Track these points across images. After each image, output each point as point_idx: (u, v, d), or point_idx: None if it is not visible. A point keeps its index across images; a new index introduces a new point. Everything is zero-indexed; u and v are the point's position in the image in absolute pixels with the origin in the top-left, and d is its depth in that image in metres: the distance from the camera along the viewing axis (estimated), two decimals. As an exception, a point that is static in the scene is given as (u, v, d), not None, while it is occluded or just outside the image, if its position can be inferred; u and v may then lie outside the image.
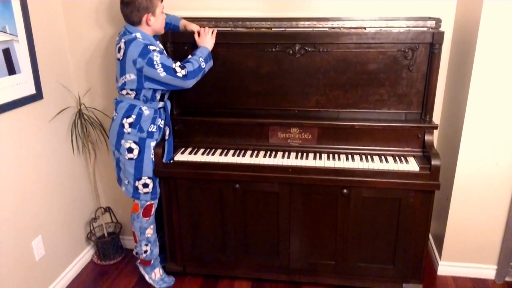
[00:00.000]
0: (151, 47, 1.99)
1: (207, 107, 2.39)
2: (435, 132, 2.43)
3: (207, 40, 2.18)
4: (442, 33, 2.11)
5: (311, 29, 2.27)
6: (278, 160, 2.21)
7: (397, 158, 2.20)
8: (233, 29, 2.34)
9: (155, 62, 1.98)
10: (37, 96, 2.19)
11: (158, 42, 2.18)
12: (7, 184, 2.04)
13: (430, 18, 2.26)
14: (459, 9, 2.38)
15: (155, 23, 2.06)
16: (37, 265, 2.27)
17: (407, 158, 2.20)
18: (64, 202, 2.50)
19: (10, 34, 1.97)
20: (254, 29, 2.33)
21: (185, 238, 2.45)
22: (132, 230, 2.39)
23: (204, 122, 2.36)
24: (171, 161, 2.25)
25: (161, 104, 2.20)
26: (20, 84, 2.05)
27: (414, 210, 2.18)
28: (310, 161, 2.19)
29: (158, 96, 2.16)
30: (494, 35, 2.08)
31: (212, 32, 2.20)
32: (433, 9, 2.41)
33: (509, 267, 2.45)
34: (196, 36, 2.20)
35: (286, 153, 2.28)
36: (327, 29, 2.27)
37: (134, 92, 2.09)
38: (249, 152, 2.30)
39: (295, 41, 2.23)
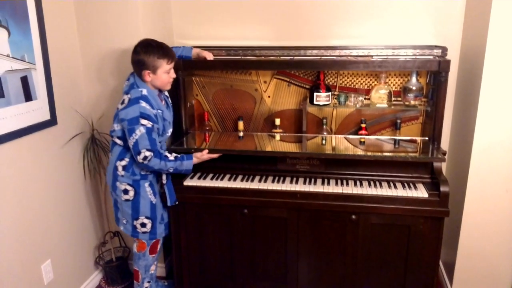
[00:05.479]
0: (144, 121, 2.00)
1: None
2: (444, 158, 2.43)
3: (201, 159, 2.22)
4: (449, 61, 2.14)
5: (319, 57, 2.32)
6: (287, 185, 2.22)
7: (405, 184, 2.20)
8: (242, 57, 2.40)
9: (134, 134, 2.01)
10: (52, 121, 2.25)
11: (165, 91, 2.23)
12: (19, 207, 2.07)
13: (436, 47, 2.30)
14: (465, 37, 2.43)
15: (154, 80, 2.08)
16: (46, 289, 2.27)
17: (416, 184, 2.20)
18: (74, 226, 2.52)
19: (28, 62, 2.04)
20: (263, 57, 2.39)
21: (192, 263, 2.45)
22: (135, 268, 2.36)
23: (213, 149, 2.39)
24: (177, 203, 2.26)
25: None
26: (35, 110, 2.12)
27: (423, 237, 2.16)
28: (318, 187, 2.20)
29: None
30: (500, 62, 2.10)
31: (213, 153, 2.26)
32: (439, 37, 2.47)
33: (523, 296, 2.40)
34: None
35: (294, 179, 2.29)
36: (334, 57, 2.32)
37: (122, 141, 2.15)
38: (257, 178, 2.31)
39: (302, 69, 2.27)
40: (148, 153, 2.04)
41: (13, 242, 2.04)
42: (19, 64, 1.98)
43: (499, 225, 2.33)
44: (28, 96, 2.06)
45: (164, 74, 2.07)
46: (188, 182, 2.29)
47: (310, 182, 2.25)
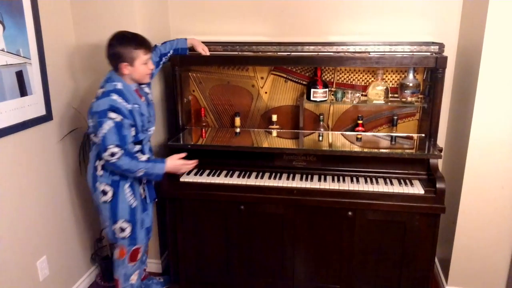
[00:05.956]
0: (112, 115, 1.88)
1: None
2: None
3: (177, 167, 2.11)
4: (445, 58, 2.14)
5: (316, 53, 2.32)
6: (283, 181, 2.22)
7: (402, 180, 2.20)
8: (239, 53, 2.39)
9: (101, 128, 1.89)
10: (47, 117, 2.23)
11: (145, 87, 2.13)
12: (13, 203, 2.06)
13: (433, 43, 2.31)
14: (462, 34, 2.43)
15: (133, 73, 1.98)
16: (41, 285, 2.26)
17: (412, 181, 2.20)
18: (69, 222, 2.51)
19: (23, 57, 2.02)
20: (260, 53, 2.39)
21: (189, 259, 2.44)
22: (114, 277, 2.26)
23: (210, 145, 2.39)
24: (156, 200, 2.22)
25: (137, 147, 2.08)
26: (31, 106, 2.10)
27: (419, 234, 2.17)
28: (315, 183, 2.20)
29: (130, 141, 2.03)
30: (497, 59, 2.11)
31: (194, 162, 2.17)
32: (436, 34, 2.46)
33: (518, 293, 2.41)
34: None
35: (291, 175, 2.29)
36: (331, 53, 2.32)
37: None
38: (254, 174, 2.31)
39: (299, 65, 2.27)
40: (116, 149, 1.91)
41: (8, 239, 2.02)
42: (14, 59, 1.96)
43: (495, 222, 2.34)
44: (23, 91, 2.04)
45: (142, 65, 1.98)
46: (184, 178, 2.29)
47: (306, 179, 2.25)
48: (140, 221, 2.16)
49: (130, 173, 1.99)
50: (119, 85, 1.97)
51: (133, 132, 2.01)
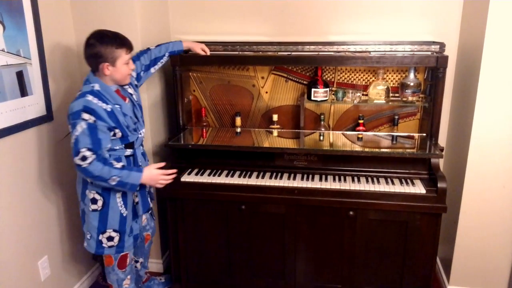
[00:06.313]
0: (85, 116, 1.78)
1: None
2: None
3: (154, 178, 1.98)
4: (446, 57, 2.14)
5: (316, 53, 2.32)
6: (284, 181, 2.22)
7: (403, 180, 2.20)
8: (240, 52, 2.39)
9: (74, 130, 1.79)
10: (48, 117, 2.23)
11: (129, 88, 2.03)
12: (14, 203, 2.05)
13: (434, 43, 2.30)
14: (462, 33, 2.42)
15: (114, 73, 1.89)
16: (43, 285, 2.26)
17: (413, 180, 2.20)
18: (70, 222, 2.51)
19: (23, 57, 2.02)
20: (261, 52, 2.38)
21: (190, 259, 2.44)
22: (108, 283, 2.19)
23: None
24: (150, 211, 2.14)
25: (128, 152, 2.00)
26: (31, 106, 2.10)
27: (421, 233, 2.16)
28: (316, 183, 2.19)
29: (119, 145, 1.95)
30: (498, 58, 2.10)
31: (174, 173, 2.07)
32: (437, 33, 2.46)
33: (519, 292, 2.41)
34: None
35: (292, 175, 2.29)
36: (332, 53, 2.31)
37: None
38: (255, 174, 2.31)
39: (300, 65, 2.26)
40: (88, 153, 1.78)
41: (9, 239, 2.02)
42: (14, 59, 1.96)
43: (496, 221, 2.33)
44: (23, 91, 2.04)
45: (123, 65, 1.89)
46: (185, 178, 2.28)
47: (307, 178, 2.24)
48: (129, 229, 2.07)
49: (102, 181, 1.85)
50: (96, 86, 1.88)
51: (119, 134, 1.91)
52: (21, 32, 2.00)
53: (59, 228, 2.40)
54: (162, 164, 2.02)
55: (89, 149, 1.79)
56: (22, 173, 2.09)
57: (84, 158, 1.79)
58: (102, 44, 1.84)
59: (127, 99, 2.01)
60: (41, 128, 2.20)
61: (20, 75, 2.01)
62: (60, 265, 2.42)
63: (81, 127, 1.78)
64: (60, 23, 2.33)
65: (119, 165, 1.88)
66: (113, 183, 1.85)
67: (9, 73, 1.94)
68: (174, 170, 2.08)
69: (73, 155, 1.80)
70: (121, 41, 1.89)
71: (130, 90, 2.06)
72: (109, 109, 1.87)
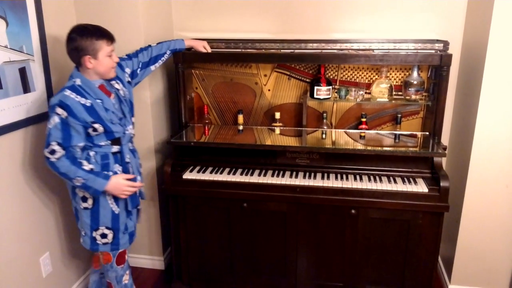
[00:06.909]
0: (59, 110, 1.78)
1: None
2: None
3: (120, 188, 1.92)
4: (450, 56, 2.13)
5: (319, 50, 2.31)
6: (286, 179, 2.22)
7: (405, 179, 2.19)
8: (242, 50, 2.38)
9: (48, 123, 1.81)
10: (50, 113, 2.24)
11: (116, 83, 2.00)
12: (16, 200, 2.06)
13: (438, 41, 2.29)
14: (466, 32, 2.41)
15: (97, 66, 1.87)
16: (45, 281, 2.27)
17: (416, 179, 2.19)
18: (72, 218, 2.51)
19: (26, 53, 2.02)
20: (263, 50, 2.38)
21: (191, 256, 2.45)
22: (107, 280, 2.17)
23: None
24: (138, 207, 2.13)
25: (115, 148, 1.96)
26: (34, 102, 2.10)
27: (423, 232, 2.16)
28: (318, 181, 2.19)
29: (104, 141, 1.92)
30: (502, 57, 2.09)
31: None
32: (441, 31, 2.45)
33: (521, 292, 2.40)
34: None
35: (294, 173, 2.28)
36: (335, 50, 2.31)
37: None
38: (257, 171, 2.30)
39: (303, 62, 2.26)
40: (57, 147, 1.79)
41: (11, 235, 2.03)
42: (17, 55, 1.96)
43: (499, 221, 2.33)
44: (26, 87, 2.04)
45: (106, 57, 1.87)
46: (187, 176, 2.28)
47: (309, 176, 2.24)
48: (124, 226, 2.06)
49: (67, 179, 1.85)
50: (78, 81, 1.87)
51: (100, 129, 1.88)
52: (24, 29, 2.00)
53: (61, 225, 2.41)
54: (132, 176, 1.99)
55: (58, 144, 1.80)
56: (24, 170, 2.10)
57: (53, 152, 1.80)
58: (82, 37, 1.83)
59: (112, 95, 1.98)
60: (43, 124, 2.20)
61: (23, 72, 2.01)
62: (61, 262, 2.42)
63: (54, 121, 1.80)
64: (63, 20, 2.33)
65: (87, 167, 1.87)
66: (78, 184, 1.85)
67: (12, 69, 1.94)
68: (140, 184, 2.07)
69: (44, 147, 1.81)
70: (101, 33, 1.87)
71: (117, 86, 2.02)
72: (88, 104, 1.85)
